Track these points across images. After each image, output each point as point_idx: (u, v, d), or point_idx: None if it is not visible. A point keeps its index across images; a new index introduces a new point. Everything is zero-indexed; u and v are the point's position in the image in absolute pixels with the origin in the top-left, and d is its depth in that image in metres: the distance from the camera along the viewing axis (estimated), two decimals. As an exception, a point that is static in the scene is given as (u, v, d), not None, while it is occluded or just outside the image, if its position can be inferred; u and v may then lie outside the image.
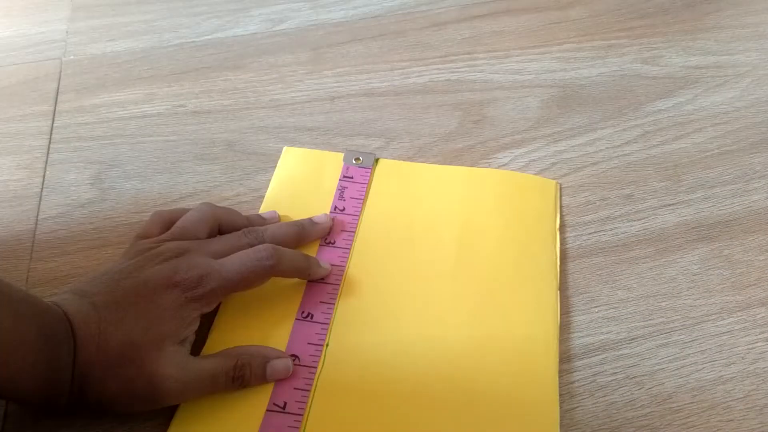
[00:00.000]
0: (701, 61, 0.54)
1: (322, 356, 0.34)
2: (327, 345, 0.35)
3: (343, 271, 0.38)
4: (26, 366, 0.29)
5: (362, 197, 0.42)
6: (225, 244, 0.36)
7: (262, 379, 0.33)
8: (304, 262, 0.37)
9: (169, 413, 0.32)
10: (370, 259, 0.39)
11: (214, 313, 0.36)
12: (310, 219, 0.40)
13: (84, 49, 0.55)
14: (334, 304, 0.37)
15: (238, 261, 0.34)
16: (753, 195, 0.44)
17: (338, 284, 0.38)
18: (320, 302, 0.37)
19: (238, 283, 0.33)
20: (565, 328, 0.37)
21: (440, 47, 0.56)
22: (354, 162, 0.44)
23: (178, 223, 0.37)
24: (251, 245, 0.35)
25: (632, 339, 0.36)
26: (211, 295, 0.33)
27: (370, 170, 0.44)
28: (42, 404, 0.31)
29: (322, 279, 0.38)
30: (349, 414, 0.33)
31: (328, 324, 0.36)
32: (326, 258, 0.39)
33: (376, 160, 0.45)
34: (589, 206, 0.43)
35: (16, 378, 0.29)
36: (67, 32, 0.57)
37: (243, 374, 0.32)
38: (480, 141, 0.47)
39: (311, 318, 0.36)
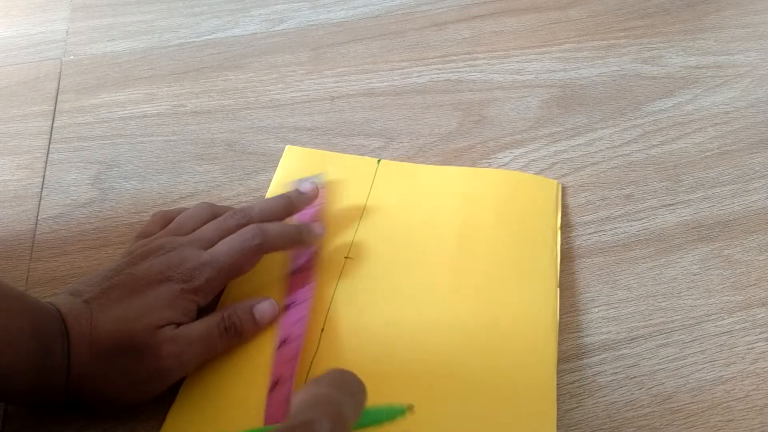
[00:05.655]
0: (701, 61, 0.54)
1: (318, 340, 0.35)
2: (323, 330, 0.35)
3: (340, 270, 0.38)
4: (19, 361, 0.29)
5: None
6: (214, 230, 0.35)
7: (254, 324, 0.34)
8: (295, 232, 0.37)
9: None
10: (370, 258, 0.39)
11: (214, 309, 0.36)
12: (297, 189, 0.40)
13: (84, 49, 0.55)
14: (329, 302, 0.37)
15: (226, 247, 0.34)
16: (753, 195, 0.44)
17: (334, 283, 0.38)
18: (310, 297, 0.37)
19: (230, 268, 0.34)
20: (565, 328, 0.37)
21: (440, 47, 0.56)
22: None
23: (175, 221, 0.37)
24: (239, 225, 0.35)
25: (632, 339, 0.36)
26: (206, 285, 0.33)
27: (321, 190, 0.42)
28: (37, 403, 0.31)
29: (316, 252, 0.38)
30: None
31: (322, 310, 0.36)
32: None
33: (378, 161, 0.45)
34: (589, 206, 0.43)
35: (9, 374, 0.29)
36: (67, 32, 0.57)
37: (233, 323, 0.33)
38: (480, 141, 0.47)
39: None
